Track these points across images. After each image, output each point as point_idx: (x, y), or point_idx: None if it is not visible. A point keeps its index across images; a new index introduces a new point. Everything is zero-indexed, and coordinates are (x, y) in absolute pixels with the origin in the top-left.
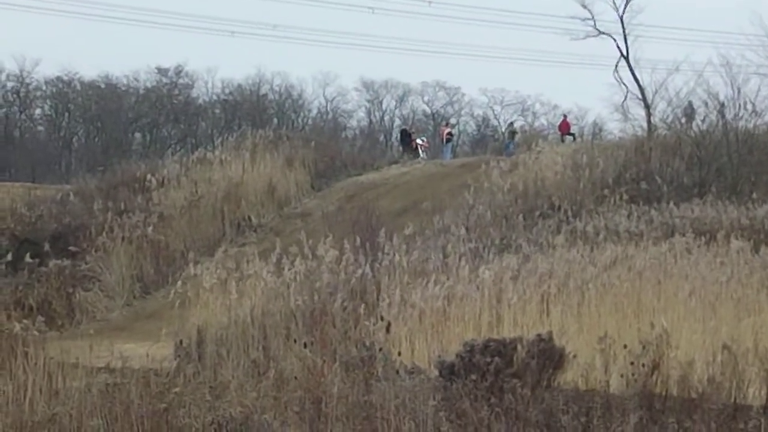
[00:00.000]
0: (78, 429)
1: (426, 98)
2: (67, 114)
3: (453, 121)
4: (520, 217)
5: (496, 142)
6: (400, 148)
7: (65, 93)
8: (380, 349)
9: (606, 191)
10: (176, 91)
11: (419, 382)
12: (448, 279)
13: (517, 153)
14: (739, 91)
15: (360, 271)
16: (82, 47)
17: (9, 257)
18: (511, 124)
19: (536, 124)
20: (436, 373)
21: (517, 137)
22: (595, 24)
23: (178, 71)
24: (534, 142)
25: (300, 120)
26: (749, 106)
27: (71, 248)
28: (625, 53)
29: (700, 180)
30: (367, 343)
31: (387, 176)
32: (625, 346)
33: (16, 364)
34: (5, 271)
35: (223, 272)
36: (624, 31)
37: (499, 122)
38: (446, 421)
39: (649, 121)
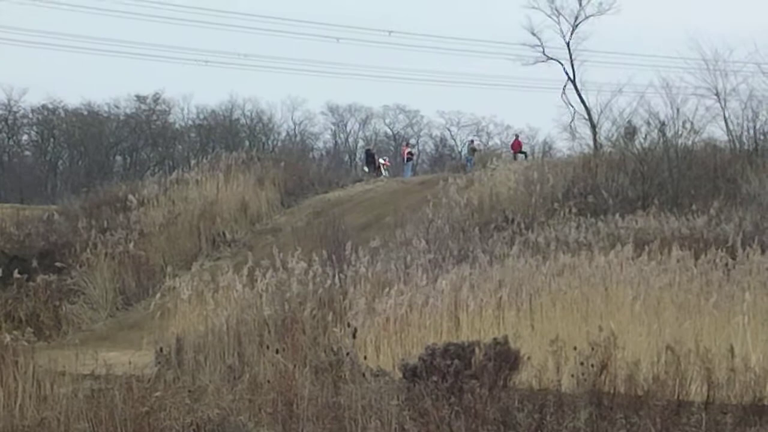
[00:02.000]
0: None
1: (387, 120)
2: (52, 139)
3: (413, 141)
4: (477, 229)
5: (453, 161)
6: (364, 167)
7: (50, 120)
8: (347, 354)
9: (556, 205)
10: (154, 117)
11: (384, 383)
12: (409, 288)
13: (473, 170)
14: (678, 111)
15: (328, 282)
16: (66, 77)
17: None
18: (472, 141)
19: (490, 143)
20: (400, 375)
21: (476, 154)
22: (543, 50)
23: (156, 98)
24: (489, 160)
25: (270, 142)
26: (688, 125)
27: (58, 264)
28: (572, 77)
29: (643, 193)
30: (335, 349)
31: (352, 193)
32: (575, 348)
33: (7, 373)
34: None
35: (200, 284)
36: (571, 57)
37: (455, 142)
38: (409, 419)
39: (595, 140)
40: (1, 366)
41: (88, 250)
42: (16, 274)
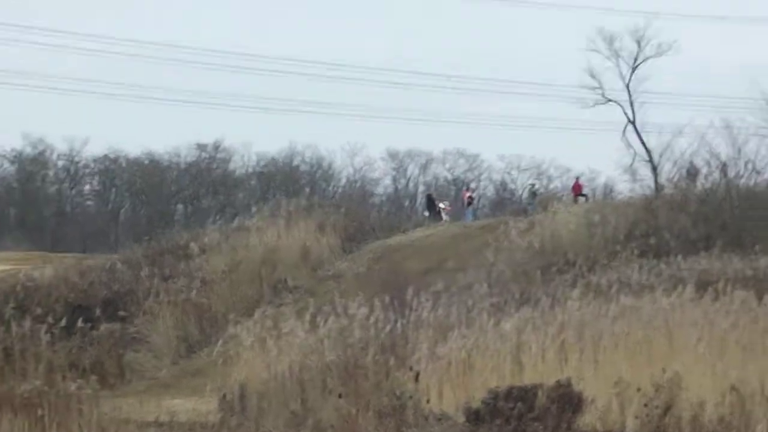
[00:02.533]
0: None
1: (447, 165)
2: (114, 189)
3: (473, 185)
4: (538, 272)
5: (514, 205)
6: (425, 212)
7: (112, 170)
8: (410, 398)
9: (618, 247)
10: (215, 165)
11: (447, 427)
12: (472, 332)
13: (534, 213)
14: (739, 151)
15: (390, 327)
16: (126, 126)
17: (63, 322)
18: (533, 185)
19: (551, 186)
20: (463, 418)
21: (537, 198)
22: (603, 92)
23: (217, 146)
24: (549, 203)
25: (330, 188)
26: (749, 165)
27: (121, 312)
28: (632, 118)
29: (705, 234)
30: (398, 393)
31: (413, 238)
32: (639, 390)
33: (72, 421)
34: (60, 336)
35: (262, 331)
36: (630, 98)
37: (516, 186)
38: None
39: (656, 181)
40: (66, 414)
41: (151, 298)
42: (79, 323)
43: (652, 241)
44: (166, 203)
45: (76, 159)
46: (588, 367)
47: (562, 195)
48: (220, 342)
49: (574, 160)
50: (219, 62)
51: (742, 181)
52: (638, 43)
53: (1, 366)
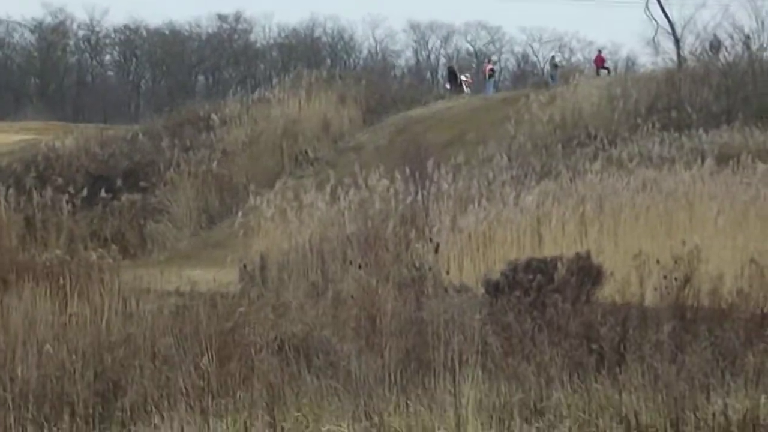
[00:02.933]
0: (151, 347)
1: (469, 37)
2: (134, 59)
3: (495, 58)
4: (559, 146)
5: (536, 77)
6: (446, 85)
7: (133, 40)
8: (430, 269)
9: (639, 120)
10: (236, 36)
11: (467, 299)
12: (492, 204)
13: (556, 86)
14: (762, 24)
15: (410, 199)
16: None
17: (84, 193)
18: (554, 57)
19: (573, 59)
20: (483, 290)
21: (559, 70)
22: None
23: (237, 17)
24: (571, 76)
25: (351, 60)
26: None
27: (141, 183)
28: None
29: (727, 107)
30: (418, 264)
31: (434, 111)
32: (658, 262)
33: (93, 290)
34: (81, 206)
35: (283, 202)
36: None
37: (538, 58)
38: (492, 334)
39: (678, 54)
40: (88, 283)
41: (172, 170)
42: (101, 194)
43: (674, 114)
44: (186, 74)
45: (97, 29)
46: (608, 239)
47: (584, 68)
48: (241, 213)
49: (596, 32)
50: None
51: (765, 54)
52: None
53: (23, 235)
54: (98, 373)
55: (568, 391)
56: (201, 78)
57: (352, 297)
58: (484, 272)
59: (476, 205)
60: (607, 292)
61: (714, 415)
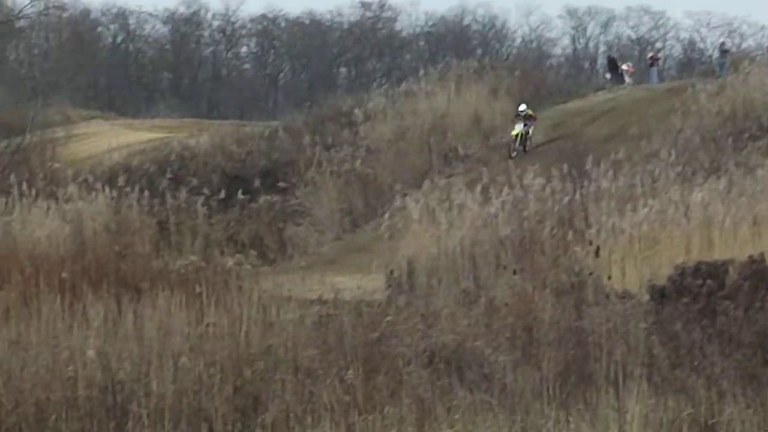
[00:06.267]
0: (293, 360)
1: (631, 23)
2: (272, 51)
3: (659, 45)
4: (729, 139)
5: (703, 65)
6: (606, 75)
7: (270, 30)
8: (590, 275)
9: None
10: (380, 25)
11: (630, 306)
12: (657, 204)
13: (725, 75)
14: None
15: (568, 198)
16: None
17: (222, 194)
18: (723, 44)
19: (744, 45)
20: (647, 297)
21: (728, 57)
22: None
23: (382, 5)
24: (742, 63)
25: (504, 50)
26: None
27: (281, 184)
28: None
29: None
30: (577, 269)
31: (593, 103)
32: None
33: (231, 298)
34: (217, 208)
35: (432, 203)
36: None
37: (705, 45)
38: (658, 344)
39: None
40: (225, 291)
41: (313, 169)
42: (238, 195)
43: None
44: (327, 66)
45: (232, 19)
46: None
47: (756, 55)
48: (387, 215)
49: None
50: None
51: None
52: None
53: (156, 240)
54: (237, 387)
55: (742, 405)
56: (343, 70)
57: (506, 305)
58: (649, 277)
59: (639, 204)
60: None
61: None
